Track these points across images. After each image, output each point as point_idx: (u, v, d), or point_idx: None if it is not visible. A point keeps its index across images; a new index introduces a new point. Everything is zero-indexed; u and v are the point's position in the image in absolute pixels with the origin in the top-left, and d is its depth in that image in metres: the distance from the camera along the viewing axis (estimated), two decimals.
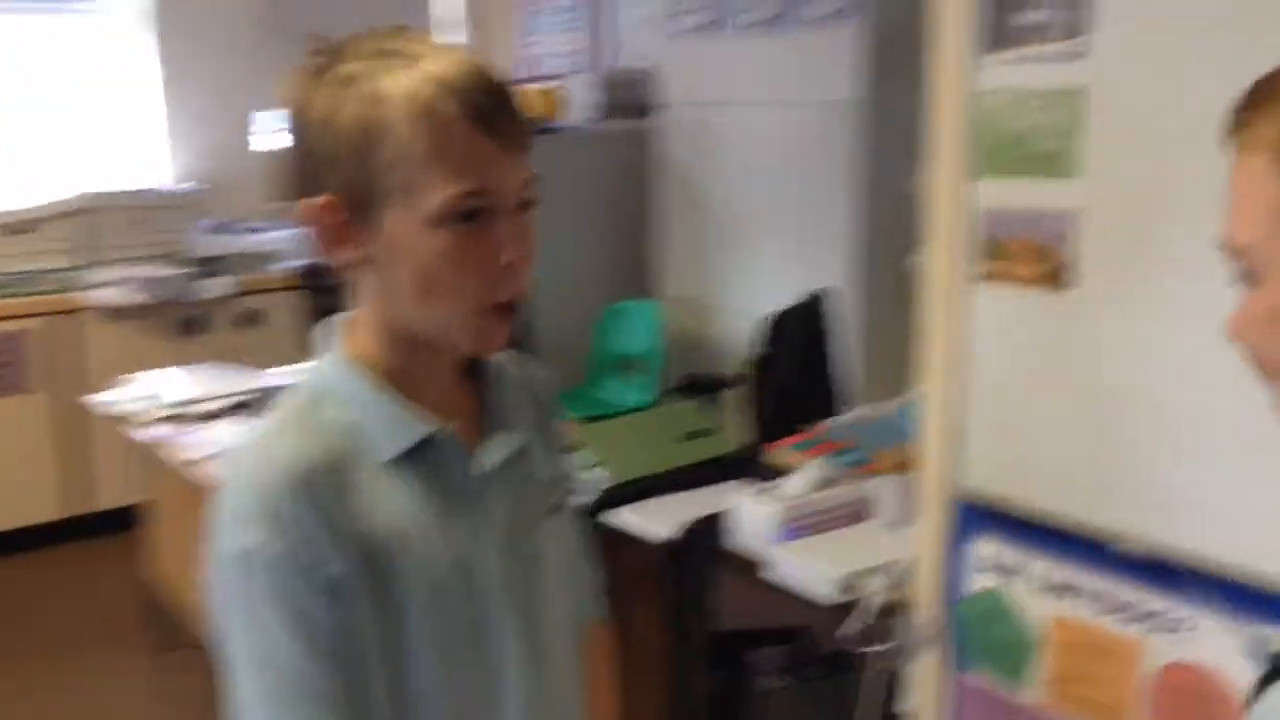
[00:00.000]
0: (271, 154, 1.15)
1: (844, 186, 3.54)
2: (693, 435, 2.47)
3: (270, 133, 5.12)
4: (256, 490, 0.97)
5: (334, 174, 0.97)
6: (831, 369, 2.93)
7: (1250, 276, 0.72)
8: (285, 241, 4.87)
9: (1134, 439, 1.47)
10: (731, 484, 2.29)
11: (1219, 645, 1.41)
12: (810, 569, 1.93)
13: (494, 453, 1.08)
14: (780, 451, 2.35)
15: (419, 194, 0.95)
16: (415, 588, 1.01)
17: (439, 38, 1.05)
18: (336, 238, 0.99)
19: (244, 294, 4.74)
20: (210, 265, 4.80)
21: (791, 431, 2.45)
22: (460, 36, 5.55)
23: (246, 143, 5.19)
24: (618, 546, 2.21)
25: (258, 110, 4.96)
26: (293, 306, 4.66)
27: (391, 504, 1.01)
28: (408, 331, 1.02)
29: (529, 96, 4.53)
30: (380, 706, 1.00)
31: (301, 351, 3.74)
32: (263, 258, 4.86)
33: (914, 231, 3.76)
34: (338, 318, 1.07)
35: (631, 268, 4.51)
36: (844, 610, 1.89)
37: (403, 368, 1.03)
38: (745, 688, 2.53)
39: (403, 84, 0.95)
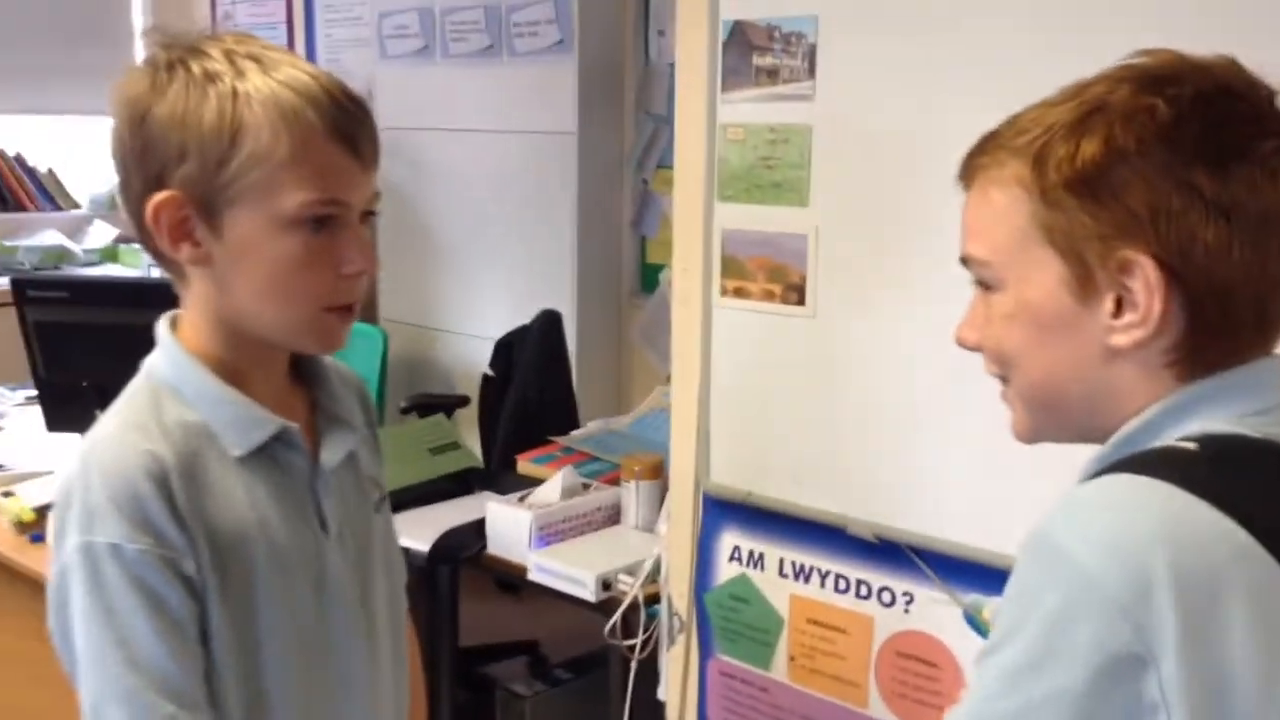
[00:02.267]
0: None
1: (564, 214, 3.69)
2: (438, 450, 2.52)
3: None
4: (110, 486, 0.96)
5: (181, 169, 0.97)
6: (566, 384, 3.05)
7: (995, 282, 0.85)
8: None
9: (862, 437, 1.67)
10: (482, 495, 2.36)
11: (938, 614, 1.62)
12: (568, 571, 2.03)
13: (334, 451, 1.10)
14: (526, 464, 2.45)
15: (274, 196, 0.97)
16: (265, 583, 1.03)
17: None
18: (177, 234, 0.99)
19: None
20: None
21: (535, 445, 2.55)
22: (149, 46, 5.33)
23: None
24: None
25: None
26: None
27: (239, 501, 1.02)
28: (245, 329, 1.03)
29: None
30: (232, 705, 1.01)
31: (4, 371, 3.49)
32: None
33: (620, 260, 3.97)
34: (169, 314, 1.06)
35: None
36: (600, 612, 2.01)
37: (238, 365, 1.04)
38: (491, 700, 2.60)
39: (267, 88, 0.96)
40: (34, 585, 2.16)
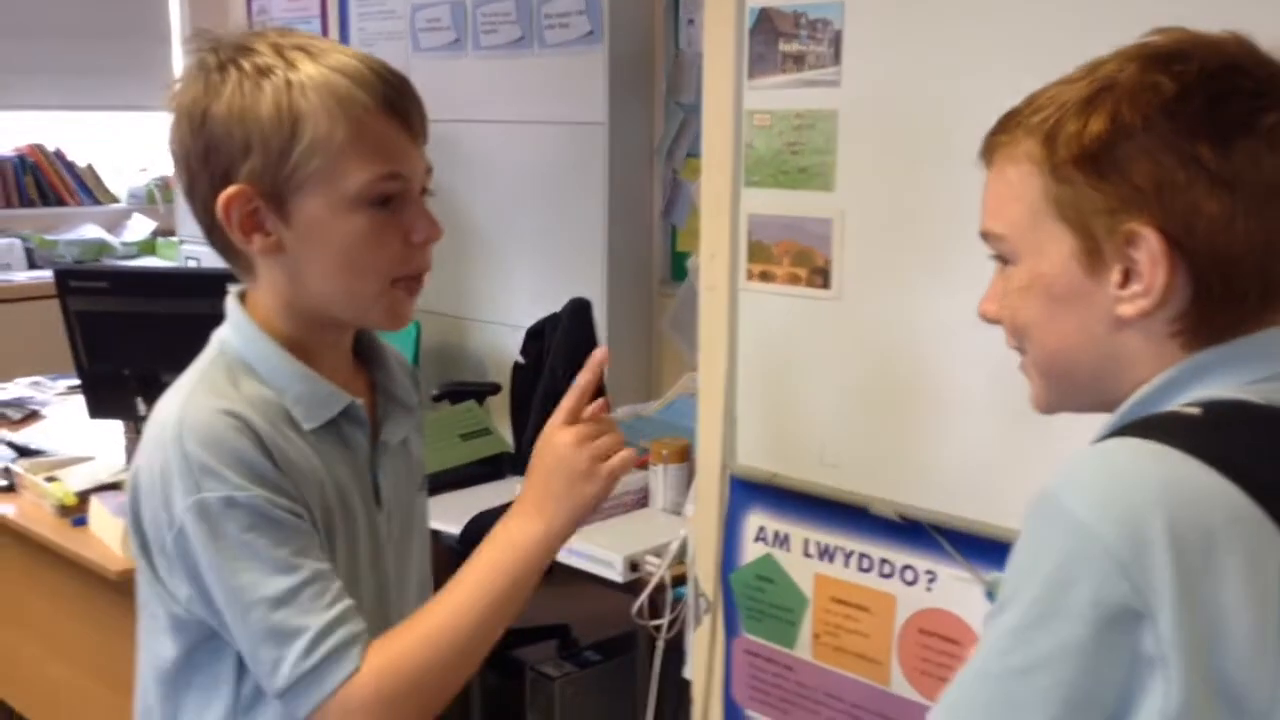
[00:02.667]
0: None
1: (595, 204, 3.72)
2: (468, 436, 2.56)
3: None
4: (209, 445, 0.99)
5: (247, 163, 1.01)
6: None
7: (1011, 256, 0.89)
8: (2, 253, 4.60)
9: (885, 418, 1.69)
10: (512, 479, 2.40)
11: (960, 592, 1.64)
12: (597, 553, 2.07)
13: (394, 431, 1.16)
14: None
15: (338, 178, 1.01)
16: (338, 548, 1.08)
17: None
18: (248, 225, 1.03)
19: None
20: None
21: None
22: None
23: None
24: None
25: None
26: (14, 320, 4.33)
27: (317, 468, 1.06)
28: (315, 310, 1.08)
29: None
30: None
31: (33, 366, 3.57)
32: None
33: (651, 249, 3.99)
34: (236, 289, 1.11)
35: None
36: (627, 593, 2.04)
37: (306, 345, 1.09)
38: (521, 683, 2.64)
39: (320, 75, 1.01)
40: (73, 567, 2.22)
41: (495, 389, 3.50)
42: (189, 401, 1.03)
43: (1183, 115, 0.80)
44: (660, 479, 2.23)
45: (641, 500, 2.26)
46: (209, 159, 1.03)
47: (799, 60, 1.68)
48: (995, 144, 0.90)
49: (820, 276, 1.71)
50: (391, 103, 1.03)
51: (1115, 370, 0.86)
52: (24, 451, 2.61)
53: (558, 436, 1.09)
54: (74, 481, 2.34)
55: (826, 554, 1.78)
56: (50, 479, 2.37)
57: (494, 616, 1.05)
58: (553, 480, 1.07)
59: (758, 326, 1.81)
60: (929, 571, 1.67)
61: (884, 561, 1.72)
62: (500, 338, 3.92)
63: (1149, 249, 0.81)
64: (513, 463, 2.57)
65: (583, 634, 3.14)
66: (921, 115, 1.59)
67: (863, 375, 1.70)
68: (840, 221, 1.68)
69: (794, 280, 1.74)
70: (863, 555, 1.74)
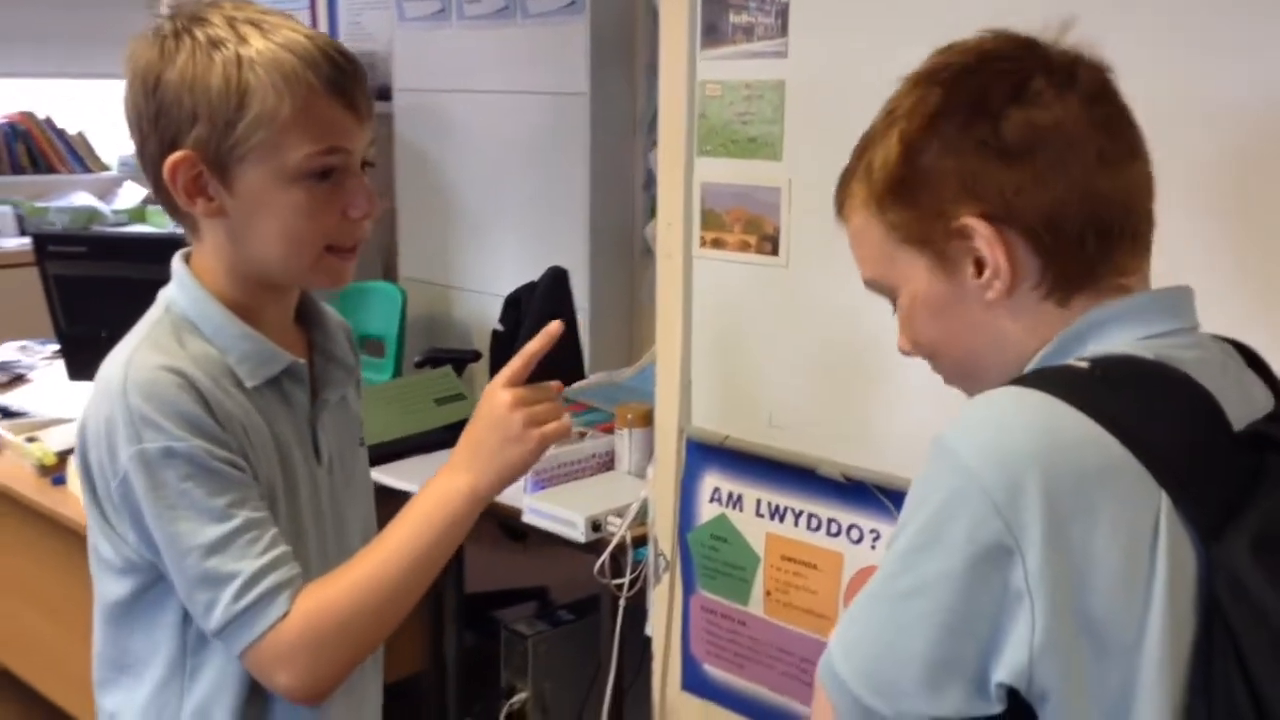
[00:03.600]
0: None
1: (577, 173, 3.75)
2: (443, 400, 2.61)
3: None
4: (150, 398, 1.04)
5: (194, 131, 1.05)
6: (572, 339, 3.13)
7: (891, 292, 0.97)
8: None
9: (830, 382, 1.74)
10: None
11: None
12: (560, 512, 2.12)
13: (333, 389, 1.21)
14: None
15: (280, 152, 1.06)
16: (279, 501, 1.13)
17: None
18: (192, 190, 1.08)
19: None
20: None
21: None
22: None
23: None
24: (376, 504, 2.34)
25: None
26: (3, 285, 4.33)
27: (258, 424, 1.11)
28: (257, 272, 1.12)
29: None
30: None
31: (21, 330, 3.60)
32: None
33: (633, 220, 4.03)
34: (183, 251, 1.15)
35: (369, 248, 4.58)
36: (593, 552, 2.09)
37: (249, 305, 1.14)
38: (497, 642, 2.70)
39: (269, 52, 1.05)
40: (52, 525, 2.28)
41: (476, 356, 3.55)
42: (134, 357, 1.08)
43: (956, 111, 0.88)
44: (625, 442, 2.28)
45: (607, 463, 2.31)
46: (159, 123, 1.07)
47: (748, 31, 1.72)
48: (839, 202, 0.99)
49: (770, 244, 1.76)
50: (336, 82, 1.07)
51: (1011, 349, 0.91)
52: (7, 413, 2.66)
53: (497, 397, 1.13)
54: (53, 441, 2.39)
55: (777, 514, 1.84)
56: (31, 439, 2.42)
57: (420, 566, 1.10)
58: (486, 439, 1.12)
59: (711, 293, 1.86)
60: (873, 530, 1.72)
61: (831, 521, 1.78)
62: (484, 305, 3.96)
63: (981, 235, 0.87)
64: None
65: (560, 595, 3.20)
66: (867, 87, 1.57)
67: (810, 341, 1.75)
68: (788, 190, 1.72)
69: (745, 248, 1.78)
70: (811, 515, 1.80)
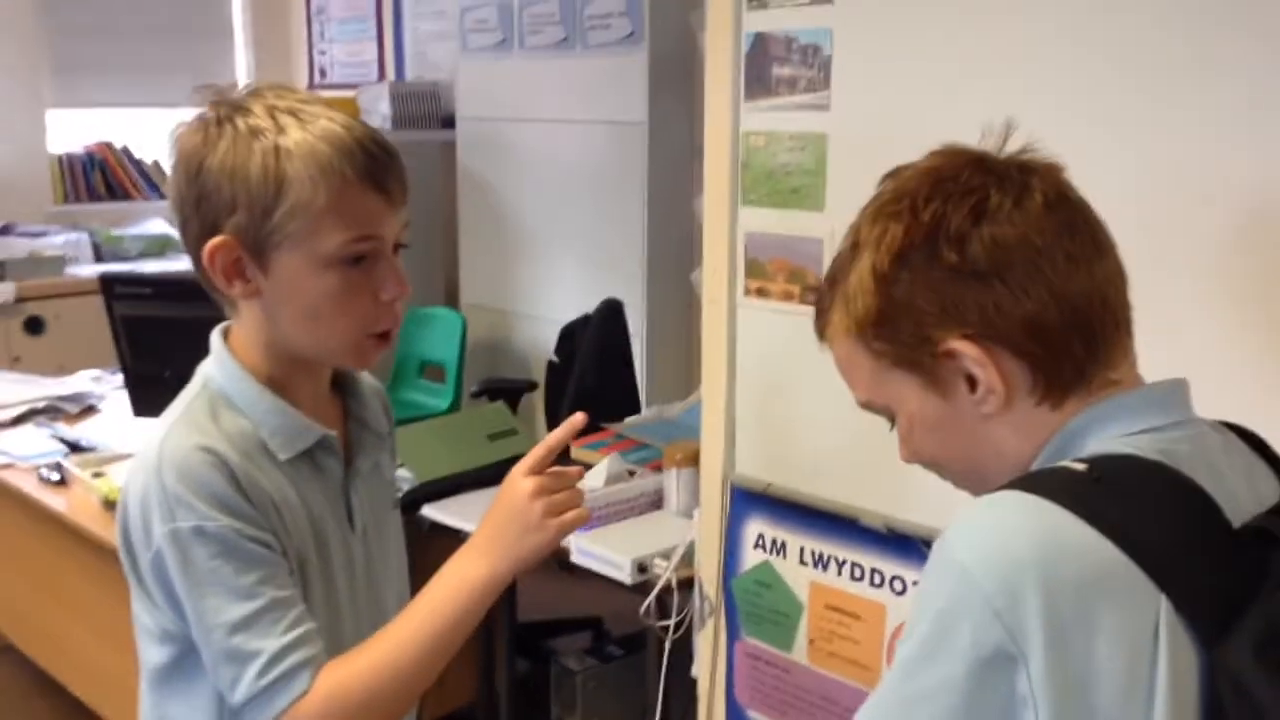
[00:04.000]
0: (171, 189, 1.23)
1: (635, 203, 3.78)
2: (496, 436, 2.64)
3: (64, 133, 4.99)
4: (183, 478, 1.07)
5: (233, 218, 1.09)
6: (626, 372, 3.14)
7: (886, 412, 0.98)
8: (70, 246, 4.77)
9: (872, 434, 1.72)
10: None
11: None
12: (607, 554, 2.14)
13: (366, 457, 1.24)
14: (579, 450, 2.56)
15: (315, 240, 1.09)
16: (313, 570, 1.16)
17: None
18: (230, 273, 1.11)
19: (25, 300, 4.51)
20: None
21: (593, 431, 2.66)
22: (249, 41, 5.56)
23: (38, 143, 5.04)
24: (428, 541, 2.37)
25: (51, 109, 4.83)
26: (79, 313, 4.42)
27: (291, 497, 1.14)
28: (291, 350, 1.15)
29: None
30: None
31: (95, 359, 3.71)
32: (46, 262, 4.68)
33: (691, 248, 4.05)
34: (222, 325, 1.19)
35: (431, 275, 4.65)
36: (641, 592, 2.11)
37: (284, 379, 1.17)
38: (549, 672, 2.73)
39: (306, 143, 1.08)
40: (117, 558, 2.34)
41: (532, 386, 3.59)
42: (170, 434, 1.12)
43: (920, 242, 0.88)
44: (674, 482, 2.29)
45: (656, 502, 2.33)
46: (200, 207, 1.11)
47: (792, 84, 1.73)
48: (819, 329, 1.00)
49: (812, 294, 1.75)
50: (370, 172, 1.10)
51: (1011, 456, 0.92)
52: (75, 447, 2.75)
53: (518, 485, 1.15)
54: (119, 477, 2.46)
55: (821, 562, 1.84)
56: (97, 474, 2.49)
57: (435, 650, 1.13)
58: (507, 527, 1.14)
59: (756, 341, 1.86)
60: (915, 582, 1.71)
61: (874, 571, 1.77)
62: (542, 331, 4.00)
63: (969, 356, 0.88)
64: None
65: (615, 626, 3.22)
66: (907, 138, 1.59)
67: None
68: (830, 242, 1.72)
69: (788, 297, 1.79)
70: (854, 564, 1.79)
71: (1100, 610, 0.78)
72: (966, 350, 0.88)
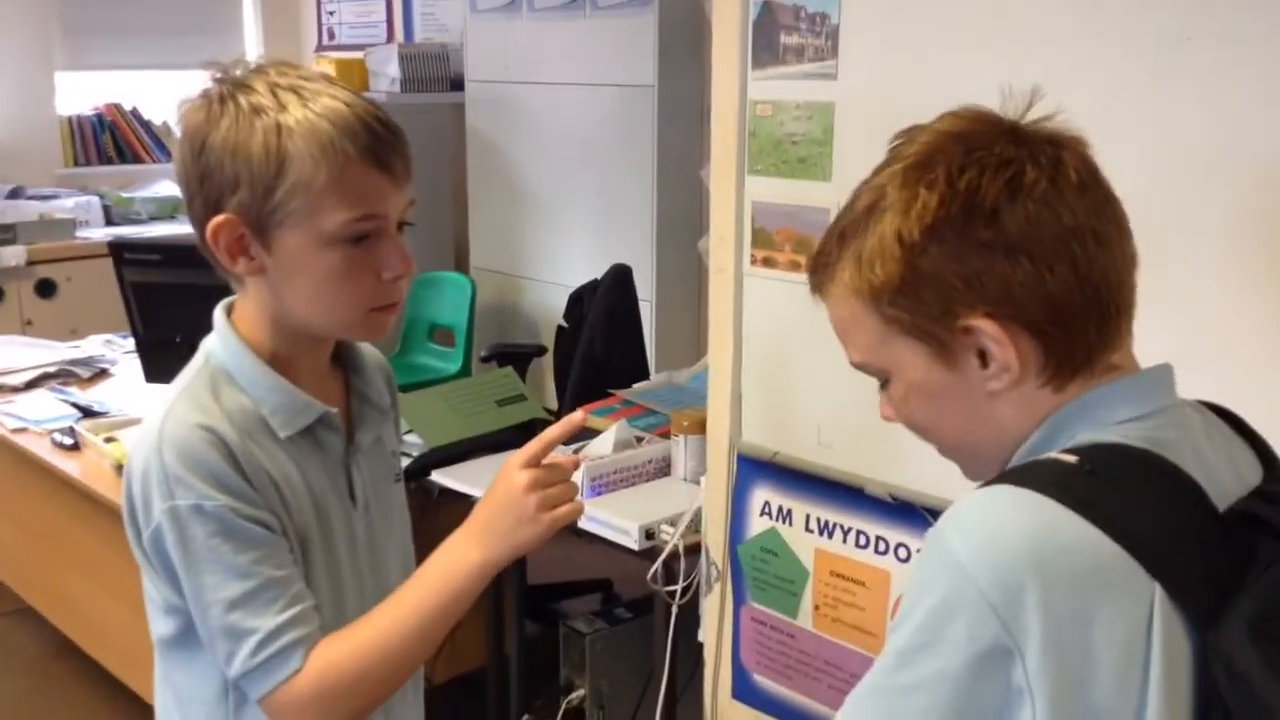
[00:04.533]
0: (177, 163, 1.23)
1: (644, 166, 3.77)
2: (504, 402, 2.65)
3: (74, 95, 4.97)
4: (182, 457, 1.09)
5: (236, 196, 1.09)
6: (635, 337, 3.15)
7: (882, 375, 0.96)
8: (81, 209, 4.78)
9: (877, 404, 1.74)
10: None
11: None
12: (615, 520, 2.16)
13: (367, 433, 1.25)
14: (588, 416, 2.57)
15: (317, 218, 1.09)
16: (315, 547, 1.18)
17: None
18: (234, 250, 1.12)
19: (36, 263, 4.54)
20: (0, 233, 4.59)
21: (601, 397, 2.67)
22: (257, 4, 5.53)
23: (47, 106, 5.04)
24: (437, 507, 2.40)
25: (61, 72, 4.81)
26: (90, 276, 4.45)
27: (292, 473, 1.16)
28: (296, 326, 1.16)
29: (333, 67, 4.59)
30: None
31: (107, 322, 3.72)
32: (56, 225, 4.69)
33: (700, 213, 4.03)
34: (226, 301, 1.20)
35: (441, 239, 4.65)
36: (649, 558, 2.13)
37: (287, 355, 1.17)
38: (558, 635, 2.75)
39: (306, 121, 1.08)
40: None
41: (542, 351, 3.60)
42: (171, 412, 1.13)
43: (954, 215, 0.86)
44: (681, 449, 2.30)
45: (664, 468, 2.34)
46: (204, 185, 1.11)
47: (799, 53, 1.72)
48: (817, 284, 0.96)
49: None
50: (373, 150, 1.10)
51: (1007, 432, 0.92)
52: (87, 412, 2.77)
53: (514, 477, 1.16)
54: (131, 442, 2.48)
55: (826, 530, 1.85)
56: (109, 439, 2.52)
57: (426, 632, 1.16)
58: (500, 516, 1.16)
59: (762, 310, 1.87)
60: (919, 550, 1.72)
61: (879, 539, 1.78)
62: (551, 296, 4.01)
63: (987, 334, 0.87)
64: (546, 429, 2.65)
65: (623, 589, 3.25)
66: (915, 108, 1.59)
67: None
68: (837, 210, 1.72)
69: (794, 267, 1.79)
70: (859, 532, 1.81)
71: (1095, 603, 0.79)
72: (987, 328, 0.87)
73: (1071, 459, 0.85)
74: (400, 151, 1.13)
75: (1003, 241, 0.86)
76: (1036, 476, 0.85)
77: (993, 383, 0.89)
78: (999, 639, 0.80)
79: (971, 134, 0.89)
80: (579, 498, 1.19)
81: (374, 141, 1.10)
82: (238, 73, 1.12)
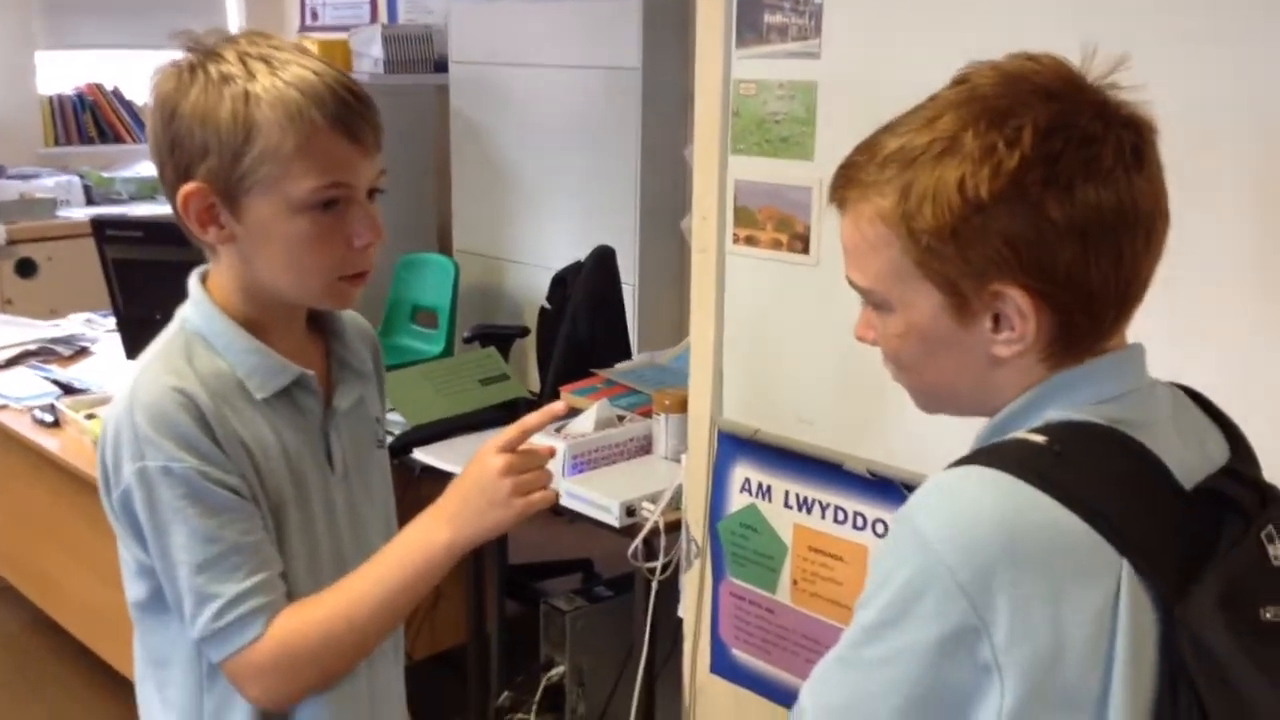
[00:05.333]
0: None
1: (628, 148, 3.78)
2: (487, 381, 2.66)
3: (54, 74, 4.94)
4: (153, 419, 1.09)
5: (205, 163, 1.10)
6: (618, 318, 3.16)
7: (881, 305, 0.91)
8: (62, 189, 4.75)
9: (858, 380, 1.76)
10: None
11: None
12: (596, 498, 2.17)
13: (346, 396, 1.25)
14: (569, 395, 2.58)
15: (285, 185, 1.10)
16: (290, 510, 1.18)
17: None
18: (204, 218, 1.13)
19: (16, 242, 4.52)
20: None
21: (584, 377, 2.68)
22: None
23: (28, 85, 5.00)
24: (419, 485, 2.40)
25: (42, 51, 4.77)
26: (71, 256, 4.43)
27: (266, 436, 1.16)
28: (267, 293, 1.17)
29: (316, 47, 4.58)
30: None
31: (87, 302, 3.72)
32: (37, 204, 4.67)
33: (684, 195, 4.04)
34: (200, 269, 1.20)
35: (424, 221, 4.65)
36: (629, 535, 2.14)
37: (261, 320, 1.18)
38: (538, 613, 2.77)
39: (275, 89, 1.09)
40: None
41: (525, 332, 3.60)
42: (143, 375, 1.14)
43: (1026, 180, 0.83)
44: (662, 427, 2.32)
45: (645, 447, 2.36)
46: (174, 152, 1.12)
47: (783, 32, 1.73)
48: (843, 198, 0.91)
49: (800, 242, 1.78)
50: (341, 118, 1.11)
51: (992, 394, 0.92)
52: (68, 389, 2.76)
53: (489, 460, 1.17)
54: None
55: (805, 506, 1.87)
56: (90, 416, 2.52)
57: (391, 607, 1.17)
58: (473, 499, 1.17)
59: (744, 289, 1.88)
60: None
61: (857, 514, 1.80)
62: (535, 278, 4.01)
63: (1016, 304, 0.85)
64: (530, 408, 2.66)
65: (604, 568, 3.27)
66: (898, 87, 1.60)
67: (838, 339, 1.76)
68: (819, 190, 1.74)
69: (776, 246, 1.81)
70: (838, 508, 1.83)
71: (1064, 582, 0.81)
72: (1019, 299, 0.85)
73: (1040, 439, 0.86)
74: (369, 120, 1.14)
75: (1064, 219, 0.83)
76: (1005, 457, 0.85)
77: (1000, 348, 0.88)
78: (966, 618, 0.81)
79: (1058, 94, 0.85)
80: (553, 485, 1.20)
81: (342, 110, 1.11)
82: (209, 43, 1.13)
